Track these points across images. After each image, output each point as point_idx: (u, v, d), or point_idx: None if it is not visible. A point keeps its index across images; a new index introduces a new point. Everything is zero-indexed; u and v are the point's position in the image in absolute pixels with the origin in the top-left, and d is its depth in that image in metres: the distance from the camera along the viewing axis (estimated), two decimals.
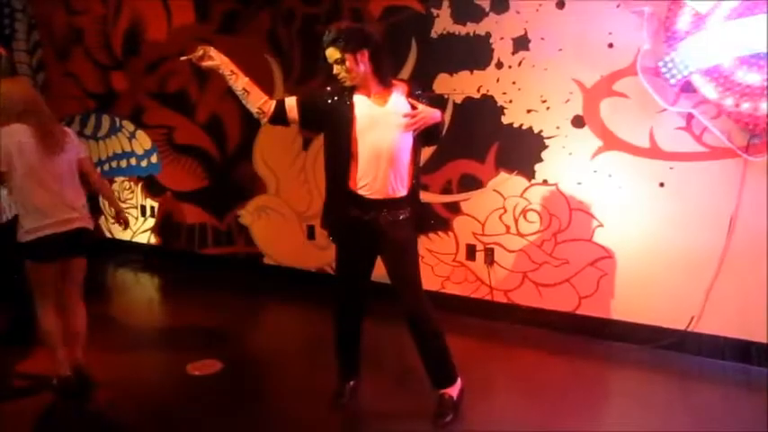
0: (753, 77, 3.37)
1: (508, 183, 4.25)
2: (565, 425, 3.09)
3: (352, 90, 2.88)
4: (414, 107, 2.85)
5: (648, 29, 3.64)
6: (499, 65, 4.15)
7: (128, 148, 6.03)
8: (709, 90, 3.49)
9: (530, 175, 4.17)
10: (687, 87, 3.58)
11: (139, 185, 6.02)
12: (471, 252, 4.43)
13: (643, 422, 3.10)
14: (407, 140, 2.89)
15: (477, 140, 4.30)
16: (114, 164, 6.14)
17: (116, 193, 6.18)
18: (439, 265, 4.55)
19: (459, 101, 4.30)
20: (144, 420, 3.14)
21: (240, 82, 2.91)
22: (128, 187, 6.09)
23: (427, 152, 4.22)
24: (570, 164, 4.04)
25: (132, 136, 5.97)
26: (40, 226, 3.15)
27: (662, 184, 3.80)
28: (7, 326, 4.03)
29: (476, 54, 4.20)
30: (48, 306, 3.32)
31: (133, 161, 6.01)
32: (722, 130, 3.58)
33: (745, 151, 3.54)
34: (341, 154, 2.88)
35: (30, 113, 3.12)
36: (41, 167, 3.13)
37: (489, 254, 4.36)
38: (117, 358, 3.85)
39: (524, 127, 4.13)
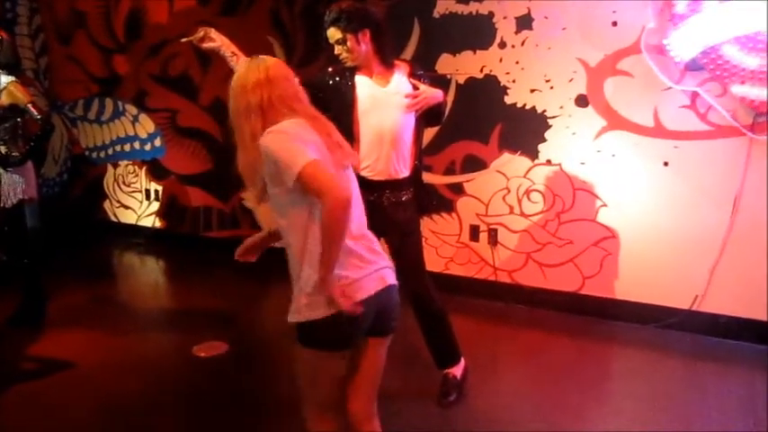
0: None
1: (512, 163, 4.23)
2: (568, 404, 3.11)
3: (354, 70, 2.86)
4: (416, 87, 2.85)
5: (653, 6, 3.60)
6: (502, 44, 4.12)
7: (131, 132, 6.03)
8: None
9: (533, 155, 4.16)
10: (692, 65, 3.55)
11: (143, 169, 6.03)
12: (475, 233, 4.44)
13: (647, 401, 3.11)
14: (410, 121, 2.88)
15: (481, 121, 4.28)
16: (118, 148, 6.14)
17: (120, 177, 6.20)
18: (443, 246, 4.55)
19: (461, 81, 4.28)
20: (150, 401, 3.18)
21: None
22: (132, 171, 6.09)
23: (430, 133, 4.21)
24: (574, 144, 4.02)
25: (135, 120, 5.97)
26: (345, 284, 1.86)
27: (666, 164, 3.78)
28: (16, 310, 4.06)
29: (479, 34, 4.17)
30: (327, 412, 2.08)
31: (137, 145, 6.01)
32: (727, 108, 3.55)
33: (751, 130, 3.51)
34: (343, 135, 2.87)
35: (289, 108, 1.92)
36: None
37: (493, 234, 4.36)
38: (123, 340, 3.89)
39: (528, 107, 4.11)
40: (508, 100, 4.16)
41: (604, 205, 3.99)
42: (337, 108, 2.88)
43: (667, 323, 3.88)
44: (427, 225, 4.43)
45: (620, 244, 3.97)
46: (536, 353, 3.72)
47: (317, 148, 1.85)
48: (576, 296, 4.15)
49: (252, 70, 1.95)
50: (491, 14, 4.11)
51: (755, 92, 3.39)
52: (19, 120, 3.84)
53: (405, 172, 2.92)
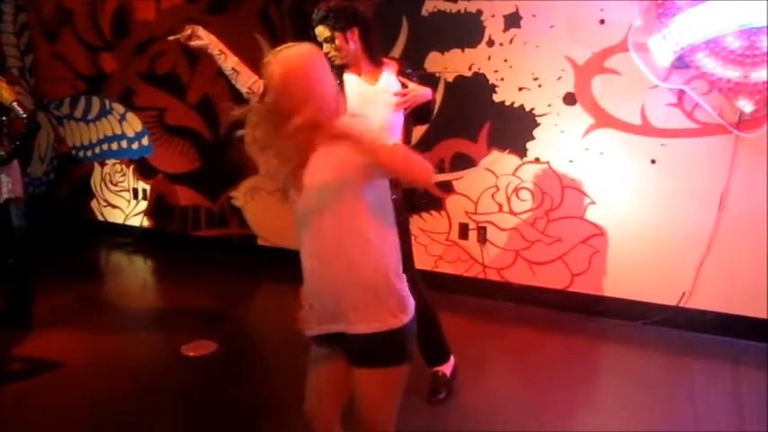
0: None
1: (500, 161, 4.24)
2: (557, 401, 3.13)
3: (343, 69, 2.86)
4: (404, 86, 2.84)
5: (640, 5, 3.62)
6: (490, 42, 4.12)
7: (118, 131, 5.98)
8: (710, 63, 3.44)
9: (522, 153, 4.17)
10: (678, 63, 3.57)
11: (131, 168, 5.99)
12: (464, 231, 4.44)
13: (635, 397, 3.13)
14: (398, 119, 2.88)
15: (469, 119, 4.29)
16: (105, 146, 6.09)
17: (107, 176, 6.16)
18: (432, 245, 4.55)
19: (450, 79, 4.28)
20: (139, 401, 3.16)
21: (230, 62, 2.88)
22: (119, 170, 6.05)
23: (419, 131, 4.20)
24: (562, 141, 4.03)
25: (123, 118, 5.93)
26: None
27: (653, 161, 3.80)
28: (2, 309, 4.03)
29: (467, 32, 4.17)
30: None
31: (124, 144, 5.97)
32: (713, 106, 3.58)
33: (736, 127, 3.54)
34: None
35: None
36: None
37: (482, 232, 4.37)
38: (111, 340, 3.87)
39: (516, 105, 4.12)
40: (497, 98, 4.17)
41: (593, 203, 4.01)
42: None
43: (655, 320, 3.90)
44: (416, 223, 4.43)
45: (609, 241, 4.00)
46: (525, 350, 3.73)
47: None
48: (565, 293, 4.17)
49: None
50: (479, 12, 4.12)
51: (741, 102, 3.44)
52: (4, 118, 3.81)
53: None
